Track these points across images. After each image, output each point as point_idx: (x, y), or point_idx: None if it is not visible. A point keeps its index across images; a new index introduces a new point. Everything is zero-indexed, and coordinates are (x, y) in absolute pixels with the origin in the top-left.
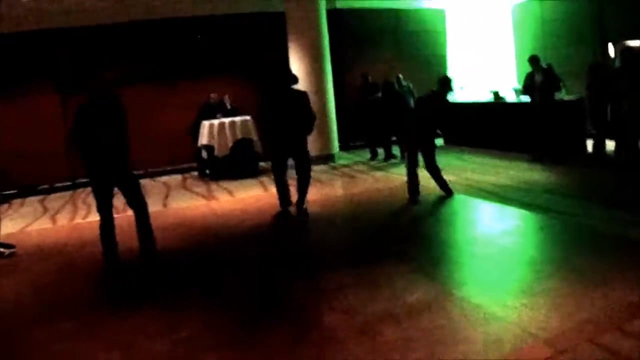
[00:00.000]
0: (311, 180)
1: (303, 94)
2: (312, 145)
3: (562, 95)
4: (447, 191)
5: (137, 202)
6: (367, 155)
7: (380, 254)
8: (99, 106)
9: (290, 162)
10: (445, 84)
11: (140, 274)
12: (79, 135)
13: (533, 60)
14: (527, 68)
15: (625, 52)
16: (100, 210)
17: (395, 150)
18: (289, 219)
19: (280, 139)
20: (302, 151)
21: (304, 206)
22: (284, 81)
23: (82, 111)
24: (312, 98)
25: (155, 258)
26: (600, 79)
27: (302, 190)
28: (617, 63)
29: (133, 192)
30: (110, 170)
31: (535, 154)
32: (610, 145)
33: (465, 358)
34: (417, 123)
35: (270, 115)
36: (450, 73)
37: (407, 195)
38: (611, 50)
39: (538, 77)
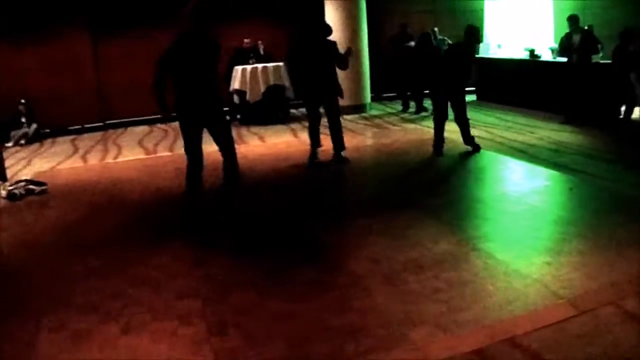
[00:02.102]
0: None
1: (333, 44)
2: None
3: (600, 58)
4: (474, 146)
5: (228, 146)
6: (399, 106)
7: (408, 205)
8: (189, 43)
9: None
10: (471, 34)
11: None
12: (164, 75)
13: (572, 19)
14: (566, 27)
15: None
16: (188, 151)
17: (427, 103)
18: (319, 162)
19: (313, 88)
20: (332, 101)
21: (343, 153)
22: (318, 31)
23: (172, 50)
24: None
25: (236, 197)
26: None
27: (337, 138)
28: None
29: (224, 135)
30: (203, 111)
31: (568, 116)
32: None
33: (487, 312)
34: (445, 74)
35: (301, 64)
36: (486, 28)
37: (444, 149)
38: None
39: (576, 38)
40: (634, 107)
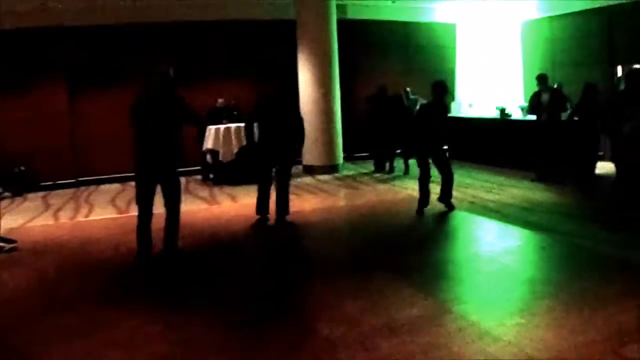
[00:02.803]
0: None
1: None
2: (317, 154)
3: (567, 116)
4: (449, 205)
5: (175, 203)
6: (372, 166)
7: (380, 266)
8: (154, 101)
9: None
10: (439, 88)
11: (164, 271)
12: (136, 127)
13: (541, 78)
14: (535, 86)
15: (631, 75)
16: (140, 204)
17: (398, 164)
18: (267, 227)
19: (271, 149)
20: (287, 162)
21: (287, 218)
22: (282, 95)
23: (139, 104)
24: (320, 107)
25: (174, 259)
26: (593, 100)
27: (284, 202)
28: (621, 86)
29: (174, 193)
30: (160, 168)
31: (539, 174)
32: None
33: None
34: (421, 133)
35: (263, 124)
36: (458, 88)
37: (411, 207)
38: (619, 72)
39: (545, 96)
40: (595, 163)
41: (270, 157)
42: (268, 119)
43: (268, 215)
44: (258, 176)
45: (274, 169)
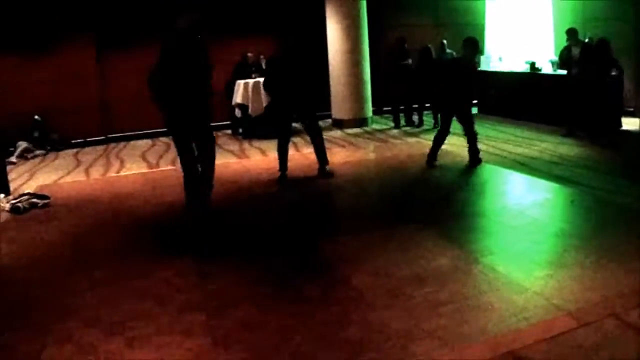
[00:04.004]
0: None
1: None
2: (346, 108)
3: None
4: (476, 160)
5: (208, 158)
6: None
7: (409, 218)
8: (182, 50)
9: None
10: (470, 45)
11: (196, 224)
12: (158, 82)
13: (570, 32)
14: (565, 40)
15: None
16: (182, 162)
17: (428, 117)
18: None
19: (287, 107)
20: (311, 117)
21: (327, 167)
22: (293, 53)
23: (166, 53)
24: (348, 60)
25: (205, 214)
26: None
27: (321, 154)
28: None
29: (208, 148)
30: (190, 123)
31: (569, 128)
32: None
33: (489, 325)
34: (448, 88)
35: (276, 83)
36: (487, 42)
37: (440, 160)
38: None
39: (575, 50)
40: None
41: (287, 114)
42: (281, 78)
43: (287, 172)
44: (276, 133)
45: (292, 126)
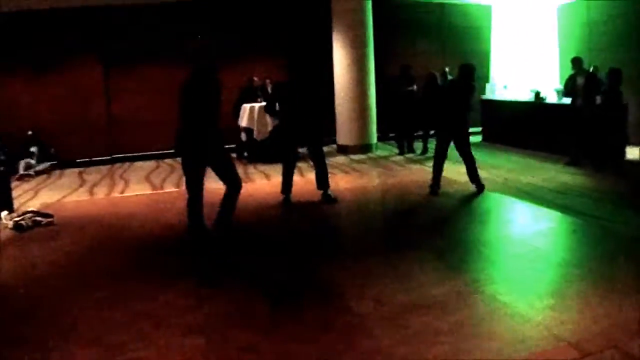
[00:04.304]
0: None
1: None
2: (351, 134)
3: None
4: (479, 186)
5: (234, 179)
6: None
7: (412, 245)
8: (201, 81)
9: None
10: (464, 69)
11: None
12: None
13: (576, 62)
14: (571, 69)
15: None
16: (190, 188)
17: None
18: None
19: (294, 132)
20: (316, 142)
21: (329, 192)
22: (302, 80)
23: (188, 87)
24: (354, 87)
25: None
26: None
27: (323, 179)
28: None
29: (230, 169)
30: (208, 149)
31: (573, 158)
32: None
33: (490, 354)
34: (445, 110)
35: (283, 109)
36: (493, 70)
37: (443, 188)
38: None
39: (580, 80)
40: (624, 146)
41: (294, 139)
42: (288, 104)
43: (291, 195)
44: (282, 157)
45: (298, 151)
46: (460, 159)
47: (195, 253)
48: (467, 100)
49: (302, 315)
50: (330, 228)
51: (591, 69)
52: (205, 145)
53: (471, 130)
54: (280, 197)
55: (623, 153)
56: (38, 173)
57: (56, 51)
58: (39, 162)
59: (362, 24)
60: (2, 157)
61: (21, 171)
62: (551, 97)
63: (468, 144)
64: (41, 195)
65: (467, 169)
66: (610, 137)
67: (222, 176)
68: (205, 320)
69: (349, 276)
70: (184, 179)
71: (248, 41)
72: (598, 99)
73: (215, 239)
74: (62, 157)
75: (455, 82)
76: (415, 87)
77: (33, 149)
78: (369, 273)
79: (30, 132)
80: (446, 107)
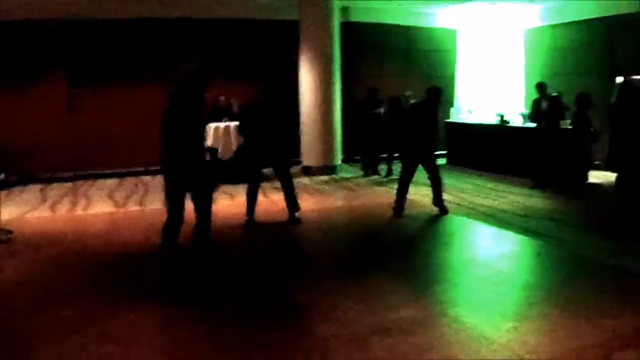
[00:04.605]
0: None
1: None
2: (316, 155)
3: (568, 124)
4: (442, 209)
5: (207, 209)
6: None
7: (377, 267)
8: (190, 101)
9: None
10: (430, 92)
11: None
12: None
13: (540, 87)
14: (535, 94)
15: (624, 86)
16: (172, 210)
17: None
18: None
19: (259, 154)
20: (283, 164)
21: (296, 214)
22: (269, 102)
23: (174, 108)
24: (319, 108)
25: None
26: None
27: (291, 201)
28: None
29: (204, 198)
30: (192, 172)
31: (537, 181)
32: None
33: None
34: (411, 133)
35: (250, 131)
36: (457, 93)
37: (407, 210)
38: (618, 83)
39: (544, 104)
40: (588, 170)
41: (259, 160)
42: (254, 126)
43: (254, 217)
44: (246, 178)
45: (261, 171)
46: (425, 181)
47: (166, 271)
48: (434, 124)
49: (265, 337)
50: (295, 250)
51: (554, 94)
52: (191, 167)
53: (436, 153)
54: (244, 218)
55: (586, 176)
56: None
57: (21, 65)
58: None
59: (328, 46)
60: None
61: None
62: (516, 121)
63: (436, 167)
64: (1, 210)
65: (434, 192)
66: (575, 161)
67: (196, 203)
68: (170, 342)
69: (313, 298)
70: (148, 196)
71: (214, 60)
72: (562, 123)
73: (188, 259)
74: (23, 172)
75: (422, 105)
76: (382, 109)
77: None
78: (333, 295)
79: None
80: (412, 130)
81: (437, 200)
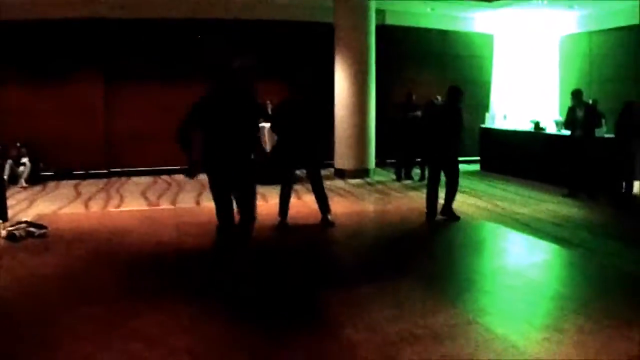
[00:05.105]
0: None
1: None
2: (349, 158)
3: (603, 133)
4: (451, 217)
5: (249, 211)
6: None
7: (407, 273)
8: (229, 98)
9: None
10: (451, 93)
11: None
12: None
13: (576, 94)
14: (571, 101)
15: None
16: (219, 214)
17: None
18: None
19: (291, 154)
20: (314, 165)
21: (329, 216)
22: (302, 102)
23: (208, 101)
24: (354, 111)
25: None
26: (631, 119)
27: (323, 202)
28: None
29: (249, 201)
30: (234, 173)
31: (571, 189)
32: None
33: None
34: (433, 134)
35: (283, 130)
36: (493, 99)
37: (440, 216)
38: None
39: (580, 112)
40: (633, 181)
41: (291, 161)
42: (287, 125)
43: (287, 219)
44: (279, 179)
45: (295, 173)
46: (461, 188)
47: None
48: (456, 125)
49: (296, 342)
50: (326, 253)
51: (590, 102)
52: (236, 168)
53: (469, 158)
54: (277, 219)
55: (630, 186)
56: (33, 182)
57: (59, 62)
58: (28, 174)
59: (364, 49)
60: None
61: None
62: (551, 128)
63: (455, 173)
64: (36, 205)
65: (445, 198)
66: (615, 170)
67: (240, 204)
68: (196, 342)
69: (343, 303)
70: (181, 195)
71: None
72: (597, 132)
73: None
74: (58, 168)
75: (443, 107)
76: (419, 113)
77: (24, 160)
78: (363, 300)
79: (18, 144)
80: (435, 132)
81: (445, 207)
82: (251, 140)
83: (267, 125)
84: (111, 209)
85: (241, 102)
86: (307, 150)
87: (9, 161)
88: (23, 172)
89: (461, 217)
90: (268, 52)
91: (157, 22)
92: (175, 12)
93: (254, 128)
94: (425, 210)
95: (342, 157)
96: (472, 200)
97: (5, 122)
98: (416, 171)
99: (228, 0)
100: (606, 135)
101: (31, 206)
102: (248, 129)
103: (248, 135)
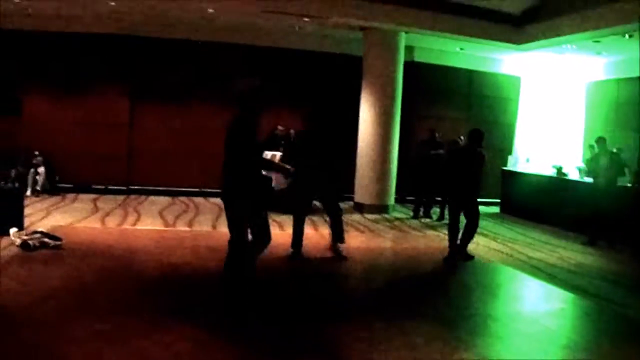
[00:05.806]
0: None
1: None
2: (369, 192)
3: (627, 182)
4: (465, 257)
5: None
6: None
7: (420, 313)
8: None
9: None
10: (472, 136)
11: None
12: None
13: (599, 141)
14: (595, 148)
15: None
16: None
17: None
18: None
19: (307, 185)
20: (330, 196)
21: (339, 249)
22: (319, 132)
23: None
24: (377, 146)
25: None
26: None
27: (337, 232)
28: None
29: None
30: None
31: (590, 237)
32: None
33: None
34: (452, 176)
35: (299, 160)
36: (517, 141)
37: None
38: None
39: (603, 160)
40: None
41: (306, 191)
42: (299, 156)
43: (301, 250)
44: (294, 209)
45: (311, 204)
46: (479, 230)
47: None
48: (477, 167)
49: None
50: (339, 288)
51: (614, 150)
52: (225, 194)
53: (490, 200)
54: (289, 250)
55: None
56: (48, 192)
57: (85, 76)
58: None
59: (391, 84)
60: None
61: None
62: (573, 174)
63: (474, 215)
64: (53, 216)
65: (461, 238)
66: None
67: (252, 227)
68: None
69: (354, 341)
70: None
71: (277, 90)
72: (619, 180)
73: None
74: (75, 180)
75: (463, 149)
76: (442, 151)
77: (40, 170)
78: (375, 339)
79: (37, 153)
80: (456, 172)
81: (460, 247)
82: (241, 168)
83: (278, 154)
84: (127, 226)
85: (236, 127)
86: (321, 180)
87: (31, 170)
88: (38, 180)
89: (478, 259)
90: (296, 81)
91: (185, 43)
92: (204, 35)
93: (245, 155)
94: (447, 248)
95: (362, 191)
96: (491, 243)
97: (29, 131)
98: (435, 210)
99: (260, 27)
100: (629, 185)
101: (48, 217)
102: (238, 156)
103: (237, 162)
